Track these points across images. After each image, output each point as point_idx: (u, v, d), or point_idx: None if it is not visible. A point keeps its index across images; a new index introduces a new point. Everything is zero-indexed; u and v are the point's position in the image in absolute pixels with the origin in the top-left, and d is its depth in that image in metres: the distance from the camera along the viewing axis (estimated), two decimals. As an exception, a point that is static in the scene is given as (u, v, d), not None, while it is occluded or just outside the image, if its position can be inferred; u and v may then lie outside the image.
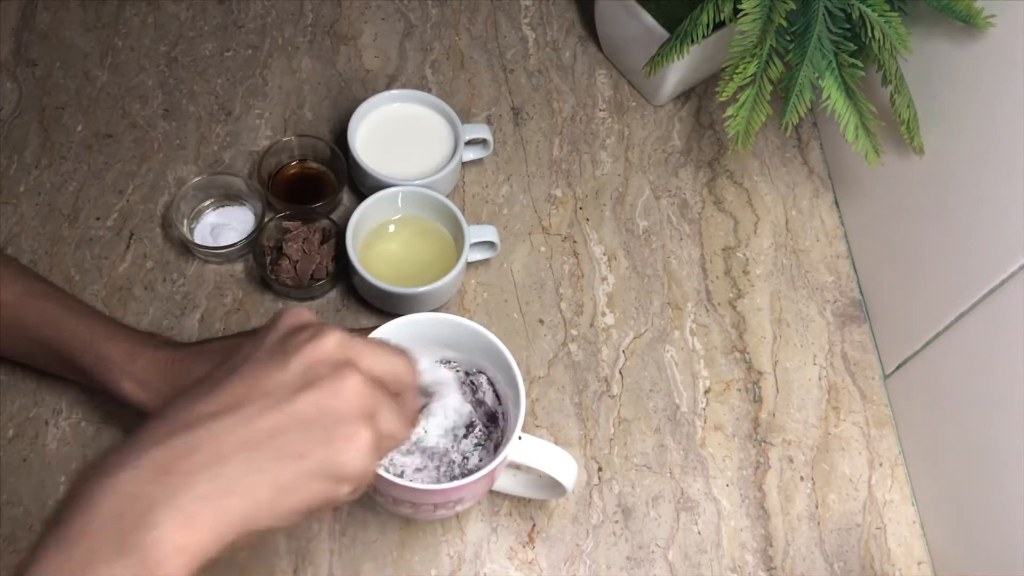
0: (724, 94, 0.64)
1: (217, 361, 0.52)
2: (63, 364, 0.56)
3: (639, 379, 0.69)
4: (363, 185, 0.71)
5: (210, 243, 0.69)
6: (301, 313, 0.40)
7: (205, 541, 0.33)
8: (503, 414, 0.56)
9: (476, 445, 0.55)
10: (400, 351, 0.41)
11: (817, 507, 0.65)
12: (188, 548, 0.33)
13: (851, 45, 0.63)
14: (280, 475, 0.35)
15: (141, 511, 0.33)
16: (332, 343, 0.38)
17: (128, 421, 0.62)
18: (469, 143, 0.73)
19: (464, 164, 0.75)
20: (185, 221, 0.69)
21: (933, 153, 0.66)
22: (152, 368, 0.54)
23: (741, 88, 0.64)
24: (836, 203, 0.79)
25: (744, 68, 0.63)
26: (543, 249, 0.74)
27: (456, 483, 0.49)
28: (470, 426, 0.55)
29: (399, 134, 0.72)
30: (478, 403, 0.56)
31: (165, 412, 0.36)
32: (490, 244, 0.69)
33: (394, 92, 0.73)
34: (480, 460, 0.55)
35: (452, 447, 0.55)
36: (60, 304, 0.56)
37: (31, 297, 0.56)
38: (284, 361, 0.37)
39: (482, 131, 0.73)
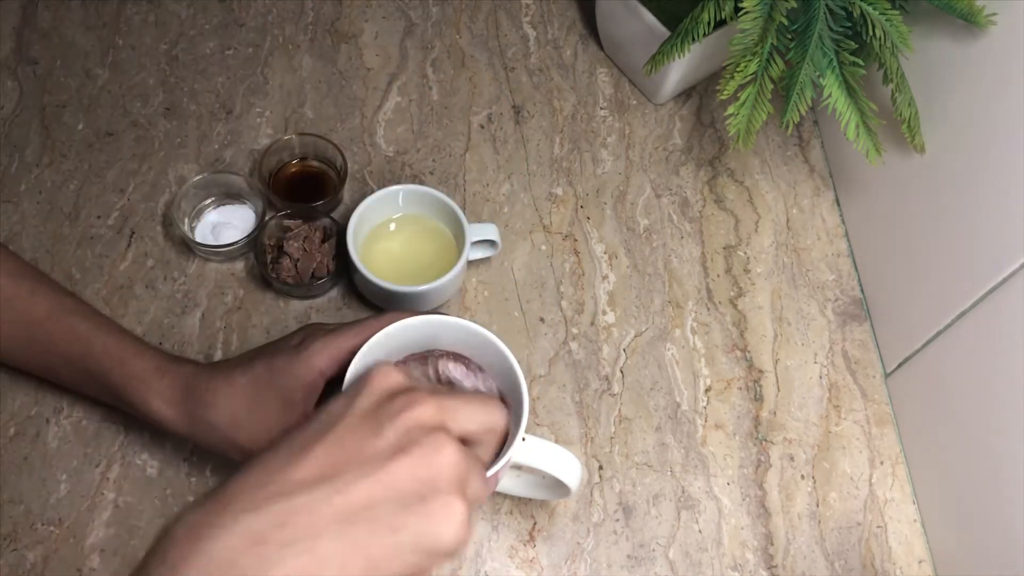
0: (725, 92, 0.64)
1: (236, 376, 0.53)
2: (89, 381, 0.56)
3: (640, 377, 0.69)
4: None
5: (211, 241, 0.69)
6: (393, 375, 0.39)
7: None
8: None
9: None
10: (491, 401, 0.40)
11: (818, 505, 0.65)
12: None
13: (852, 43, 0.63)
14: (374, 550, 0.34)
15: None
16: (429, 411, 0.37)
17: (128, 419, 0.62)
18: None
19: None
20: (186, 219, 0.69)
21: (934, 152, 0.66)
22: (178, 384, 0.53)
23: (742, 86, 0.64)
24: (837, 201, 0.79)
25: (745, 66, 0.63)
26: (544, 248, 0.74)
27: None
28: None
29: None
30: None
31: (255, 471, 0.35)
32: (491, 243, 0.69)
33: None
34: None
35: None
36: (90, 321, 0.56)
37: (62, 313, 0.55)
38: (378, 428, 0.36)
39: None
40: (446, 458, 0.36)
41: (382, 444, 0.36)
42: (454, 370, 0.57)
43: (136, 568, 0.33)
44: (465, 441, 0.38)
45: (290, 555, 0.33)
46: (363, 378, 0.39)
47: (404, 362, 0.56)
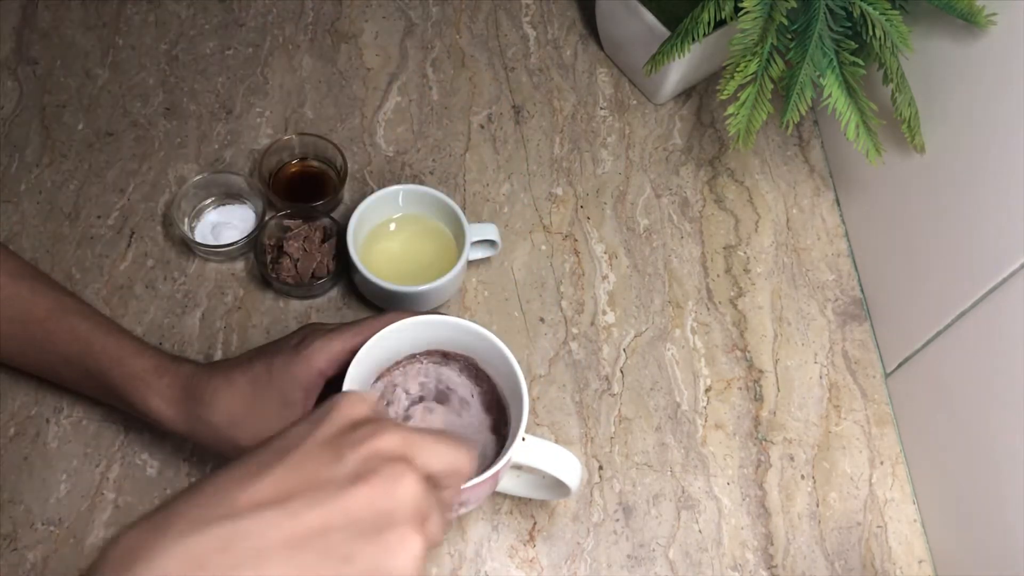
0: (725, 92, 0.64)
1: (235, 376, 0.53)
2: (89, 380, 0.56)
3: (640, 377, 0.69)
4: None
5: (211, 241, 0.69)
6: (359, 405, 0.37)
7: None
8: (506, 415, 0.56)
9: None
10: (460, 442, 0.39)
11: (818, 505, 0.65)
12: None
13: (852, 43, 0.62)
14: None
15: None
16: (391, 440, 0.35)
17: (128, 419, 0.62)
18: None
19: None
20: (186, 219, 0.69)
21: (934, 151, 0.66)
22: (177, 384, 0.53)
23: (742, 86, 0.64)
24: (837, 201, 0.79)
25: (745, 66, 0.63)
26: (544, 247, 0.74)
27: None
28: None
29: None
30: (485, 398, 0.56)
31: (202, 492, 0.33)
32: (491, 243, 0.69)
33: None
34: (483, 462, 0.55)
35: None
36: (89, 320, 0.56)
37: (62, 313, 0.55)
38: (338, 455, 0.35)
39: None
40: (406, 490, 0.34)
41: (341, 471, 0.34)
42: (450, 375, 0.57)
43: None
44: (428, 480, 0.36)
45: None
46: (328, 404, 0.37)
47: (402, 363, 0.56)
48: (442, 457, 0.37)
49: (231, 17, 0.82)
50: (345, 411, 0.37)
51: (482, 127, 0.79)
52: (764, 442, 0.67)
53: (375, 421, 0.36)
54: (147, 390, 0.53)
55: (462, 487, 0.48)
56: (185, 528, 0.31)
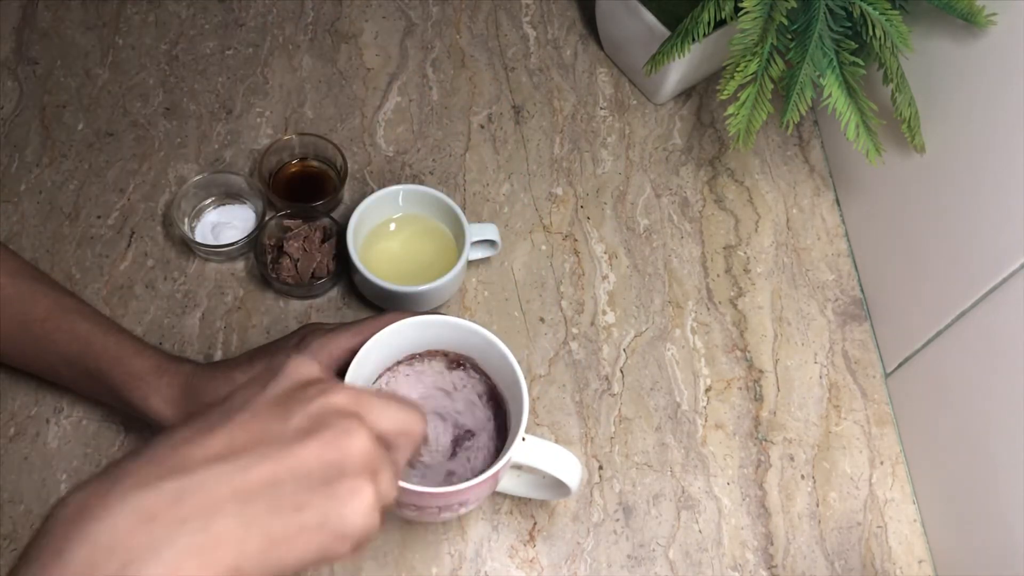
0: (725, 92, 0.64)
1: (235, 375, 0.53)
2: (89, 380, 0.56)
3: (640, 377, 0.69)
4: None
5: (211, 241, 0.69)
6: (310, 367, 0.38)
7: None
8: (506, 415, 0.56)
9: (478, 449, 0.55)
10: (410, 404, 0.39)
11: (818, 505, 0.65)
12: None
13: (852, 43, 0.63)
14: (275, 528, 0.32)
15: (121, 564, 0.30)
16: (341, 398, 0.36)
17: (128, 419, 0.62)
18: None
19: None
20: (186, 219, 0.69)
21: (934, 152, 0.66)
22: (176, 383, 0.53)
23: (742, 86, 0.64)
24: (837, 201, 0.79)
25: (745, 66, 0.63)
26: (544, 247, 0.74)
27: (460, 486, 0.49)
28: (456, 440, 0.56)
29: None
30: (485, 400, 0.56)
31: (153, 450, 0.33)
32: (491, 243, 0.69)
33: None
34: (483, 462, 0.55)
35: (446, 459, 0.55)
36: (89, 320, 0.56)
37: (61, 312, 0.55)
38: (288, 412, 0.35)
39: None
40: (356, 443, 0.35)
41: (290, 427, 0.34)
42: (450, 376, 0.57)
43: (20, 556, 0.31)
44: (379, 440, 0.36)
45: (183, 533, 0.31)
46: (278, 365, 0.38)
47: (402, 363, 0.56)
48: (392, 416, 0.37)
49: (231, 17, 0.82)
50: (293, 372, 0.37)
51: (482, 127, 0.79)
52: (764, 442, 0.67)
53: (324, 381, 0.37)
54: (147, 389, 0.53)
55: (463, 487, 0.49)
56: (134, 484, 0.31)
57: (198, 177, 0.69)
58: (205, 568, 0.31)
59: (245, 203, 0.71)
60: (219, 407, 0.35)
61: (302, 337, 0.54)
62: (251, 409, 0.35)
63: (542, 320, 0.71)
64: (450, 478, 0.54)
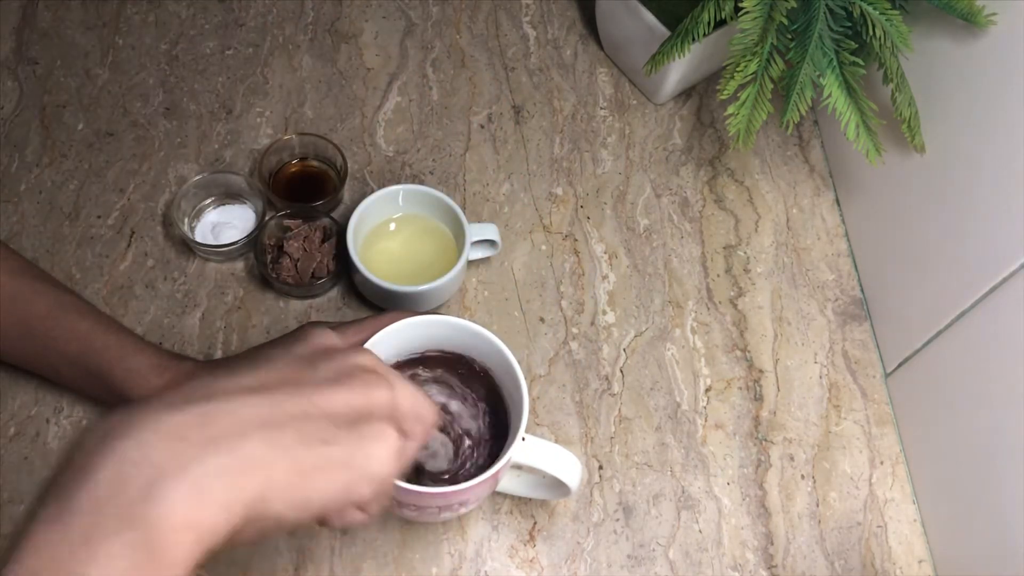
0: (725, 92, 0.64)
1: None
2: (89, 378, 0.56)
3: (640, 377, 0.69)
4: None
5: (211, 241, 0.69)
6: (330, 335, 0.38)
7: (214, 521, 0.30)
8: (506, 414, 0.56)
9: (478, 449, 0.55)
10: (426, 397, 0.39)
11: (818, 505, 0.65)
12: (196, 526, 0.30)
13: (852, 43, 0.63)
14: (302, 457, 0.32)
15: (148, 480, 0.29)
16: (366, 359, 0.36)
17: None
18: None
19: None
20: (186, 219, 0.69)
21: (934, 151, 0.66)
22: (177, 380, 0.53)
23: (742, 86, 0.64)
24: (837, 201, 0.79)
25: (745, 66, 0.63)
26: (544, 247, 0.74)
27: (460, 486, 0.49)
28: (457, 440, 0.56)
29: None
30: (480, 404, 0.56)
31: (180, 386, 0.33)
32: (491, 242, 0.69)
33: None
34: (483, 462, 0.55)
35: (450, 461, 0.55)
36: (90, 318, 0.56)
37: (62, 311, 0.55)
38: (313, 365, 0.35)
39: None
40: (381, 394, 0.35)
41: (318, 376, 0.35)
42: (450, 376, 0.57)
43: (51, 473, 0.31)
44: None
45: (212, 453, 0.30)
46: (301, 331, 0.38)
47: (402, 363, 0.56)
48: (410, 395, 0.38)
49: (231, 17, 0.82)
50: (316, 338, 0.38)
51: (482, 127, 0.79)
52: (764, 442, 0.67)
53: (346, 348, 0.38)
54: (148, 388, 0.53)
55: (463, 487, 0.49)
56: (164, 407, 0.31)
57: (198, 177, 0.69)
58: (232, 490, 0.30)
59: (245, 203, 0.71)
60: (241, 358, 0.36)
61: (304, 335, 0.54)
62: (278, 361, 0.35)
63: (542, 320, 0.71)
64: (450, 478, 0.54)
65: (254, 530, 0.32)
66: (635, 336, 0.71)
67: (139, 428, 0.31)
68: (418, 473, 0.54)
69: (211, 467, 0.30)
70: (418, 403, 0.38)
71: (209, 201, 0.71)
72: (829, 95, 0.63)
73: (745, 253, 0.75)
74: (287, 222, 0.68)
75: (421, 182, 0.75)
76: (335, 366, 0.35)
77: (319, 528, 0.60)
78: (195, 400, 0.32)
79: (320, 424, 0.33)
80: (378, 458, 0.34)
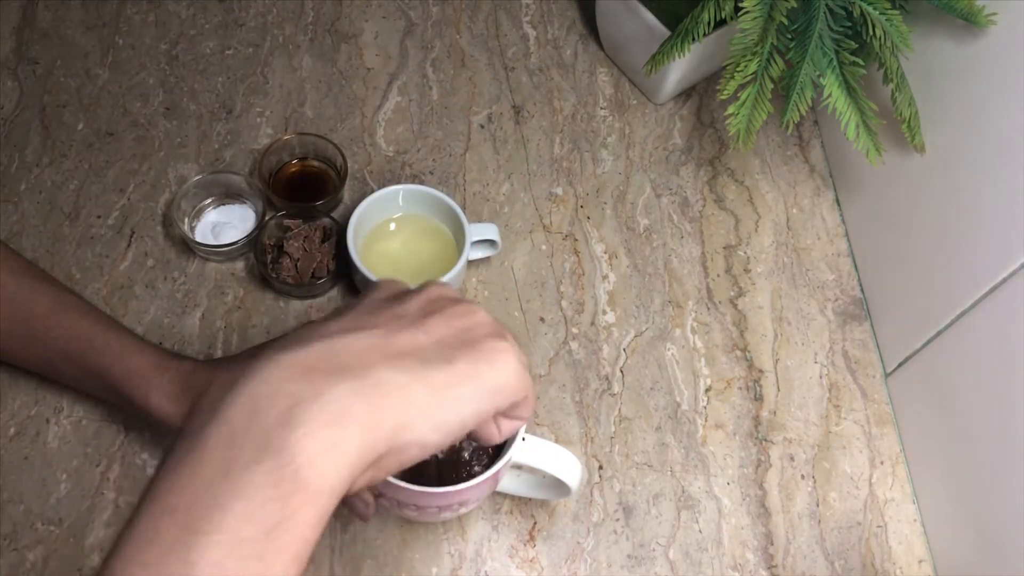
0: (725, 92, 0.64)
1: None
2: (90, 377, 0.56)
3: (640, 377, 0.69)
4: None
5: (211, 241, 0.69)
6: (397, 281, 0.38)
7: (358, 443, 0.29)
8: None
9: (477, 448, 0.55)
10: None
11: (818, 505, 0.65)
12: (339, 449, 0.28)
13: (852, 43, 0.62)
14: (431, 376, 0.31)
15: (285, 407, 0.28)
16: (443, 289, 0.36)
17: (129, 419, 0.62)
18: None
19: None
20: (186, 219, 0.69)
21: (934, 151, 0.66)
22: (178, 380, 0.54)
23: (742, 86, 0.64)
24: (837, 201, 0.79)
25: (745, 66, 0.63)
26: (544, 247, 0.74)
27: (460, 486, 0.49)
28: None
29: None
30: None
31: (285, 336, 0.33)
32: (491, 242, 0.69)
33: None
34: (483, 462, 0.55)
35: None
36: (90, 317, 0.56)
37: (62, 310, 0.56)
38: (402, 302, 0.35)
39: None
40: (481, 315, 0.35)
41: (412, 308, 0.34)
42: None
43: (176, 436, 0.29)
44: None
45: (343, 380, 0.30)
46: (372, 284, 0.38)
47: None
48: (521, 358, 0.36)
49: (231, 17, 0.82)
50: (388, 284, 0.38)
51: (482, 127, 0.79)
52: (764, 442, 0.67)
53: (417, 287, 0.37)
54: (148, 387, 0.53)
55: (464, 487, 0.48)
56: (282, 349, 0.31)
57: (198, 177, 0.69)
58: (373, 411, 0.30)
59: (245, 203, 0.71)
60: (331, 315, 0.35)
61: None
62: (366, 304, 0.35)
63: (542, 320, 0.71)
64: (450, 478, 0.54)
65: (396, 459, 0.31)
66: (635, 336, 0.71)
67: (265, 366, 0.30)
68: (418, 473, 0.54)
69: (347, 389, 0.29)
70: (525, 376, 0.37)
71: (209, 201, 0.71)
72: (829, 95, 0.63)
73: (745, 253, 0.75)
74: (287, 222, 0.68)
75: (421, 182, 0.75)
76: (422, 300, 0.35)
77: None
78: (311, 341, 0.31)
79: (437, 347, 0.33)
80: (504, 367, 0.34)
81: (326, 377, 0.29)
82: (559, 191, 0.76)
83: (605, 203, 0.76)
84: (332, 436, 0.28)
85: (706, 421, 0.68)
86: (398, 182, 0.74)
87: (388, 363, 0.31)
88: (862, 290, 0.75)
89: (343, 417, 0.29)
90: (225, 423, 0.28)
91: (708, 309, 0.72)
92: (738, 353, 0.71)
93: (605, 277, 0.73)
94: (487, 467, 0.50)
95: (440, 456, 0.55)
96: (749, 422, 0.68)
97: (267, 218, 0.68)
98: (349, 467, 0.29)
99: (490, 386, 0.33)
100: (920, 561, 0.64)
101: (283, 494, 0.27)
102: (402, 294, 0.36)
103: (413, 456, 0.31)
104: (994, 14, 0.59)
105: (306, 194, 0.71)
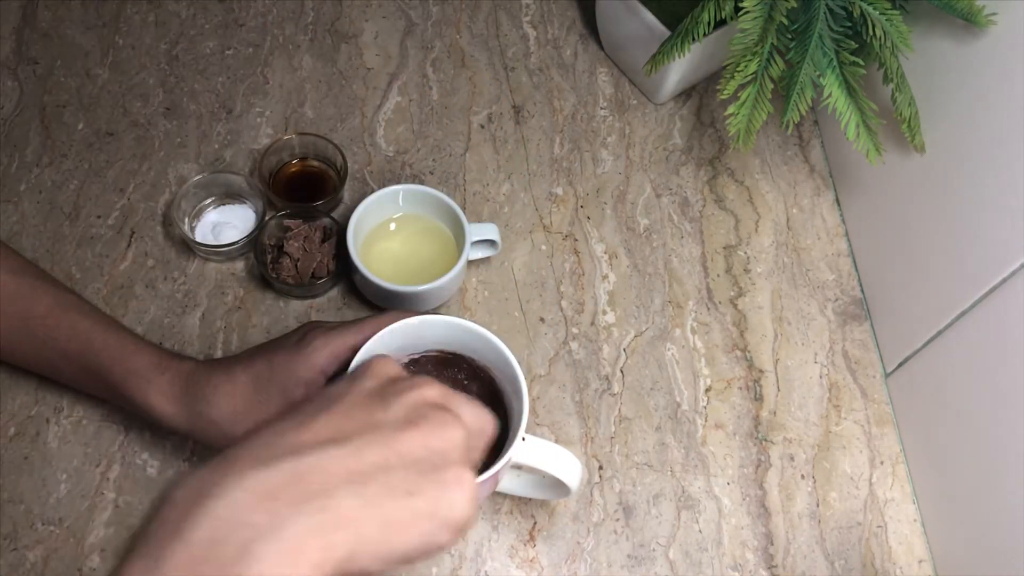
0: (725, 92, 0.64)
1: (236, 372, 0.53)
2: (90, 377, 0.56)
3: (640, 377, 0.69)
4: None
5: (211, 241, 0.69)
6: (393, 365, 0.40)
7: None
8: (506, 415, 0.56)
9: None
10: (484, 408, 0.40)
11: (818, 505, 0.65)
12: None
13: (852, 43, 0.62)
14: (390, 511, 0.33)
15: (243, 541, 0.30)
16: (433, 391, 0.37)
17: (129, 419, 0.62)
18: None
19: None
20: (186, 219, 0.69)
21: (934, 151, 0.66)
22: (178, 380, 0.53)
23: (742, 86, 0.64)
24: (837, 201, 0.79)
25: (745, 66, 0.63)
26: (544, 247, 0.74)
27: None
28: None
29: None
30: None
31: (261, 437, 0.34)
32: (491, 242, 0.69)
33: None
34: (483, 462, 0.55)
35: None
36: (90, 317, 0.56)
37: (62, 310, 0.56)
38: (385, 403, 0.36)
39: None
40: (455, 433, 0.36)
41: (390, 416, 0.35)
42: (450, 376, 0.57)
43: (134, 536, 0.31)
44: None
45: (304, 512, 0.31)
46: (364, 365, 0.39)
47: (402, 363, 0.56)
48: (474, 414, 0.39)
49: (231, 17, 0.82)
50: (381, 369, 0.39)
51: (482, 127, 0.79)
52: (764, 442, 0.67)
53: (411, 377, 0.39)
54: (147, 387, 0.53)
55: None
56: (251, 465, 0.32)
57: (198, 177, 0.69)
58: (325, 549, 0.31)
59: (245, 203, 0.71)
60: (314, 402, 0.36)
61: (303, 335, 0.54)
62: (348, 400, 0.36)
63: (542, 320, 0.71)
64: None
65: None
66: (635, 336, 0.71)
67: (230, 487, 0.31)
68: None
69: (304, 526, 0.31)
70: (481, 419, 0.40)
71: (209, 201, 0.71)
72: (829, 95, 0.63)
73: (745, 253, 0.75)
74: (287, 222, 0.68)
75: (421, 182, 0.75)
76: (406, 402, 0.36)
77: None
78: (280, 456, 0.32)
79: (403, 473, 0.34)
80: (459, 505, 0.35)
81: (287, 508, 0.31)
82: (559, 191, 0.76)
83: (605, 203, 0.76)
84: (285, 573, 0.30)
85: (706, 421, 0.68)
86: (398, 182, 0.74)
87: (350, 490, 0.32)
88: (862, 290, 0.75)
89: (297, 555, 0.30)
90: (189, 546, 0.30)
91: (708, 309, 0.72)
92: (738, 353, 0.71)
93: (605, 277, 0.73)
94: (487, 467, 0.50)
95: None
96: (749, 422, 0.68)
97: (267, 218, 0.68)
98: None
99: (440, 524, 0.34)
100: (920, 561, 0.64)
101: None
102: (390, 387, 0.37)
103: None
104: (994, 14, 0.59)
105: (306, 194, 0.71)
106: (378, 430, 0.35)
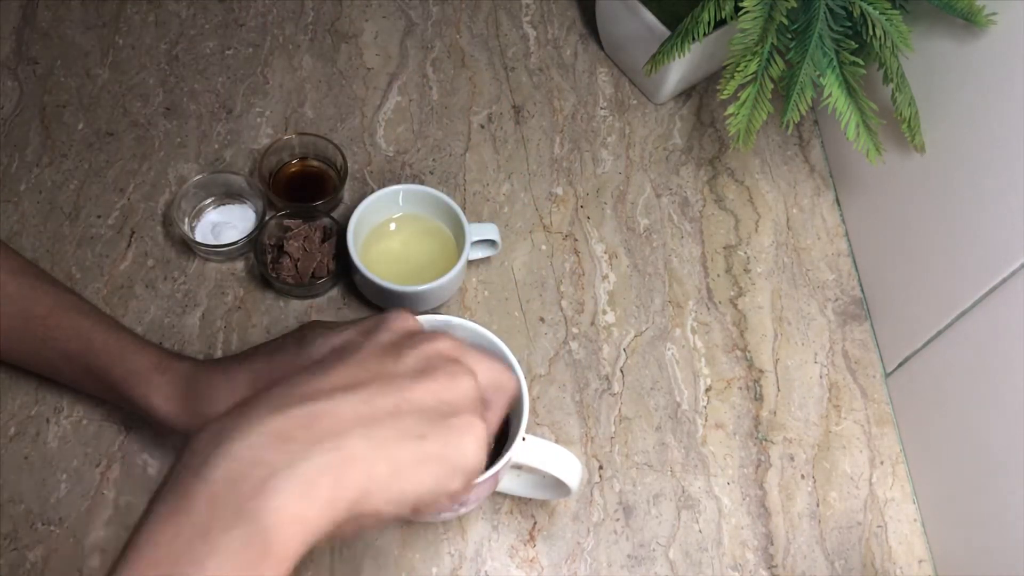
0: (725, 92, 0.64)
1: (236, 372, 0.53)
2: (90, 377, 0.56)
3: (640, 377, 0.69)
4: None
5: (211, 241, 0.69)
6: (409, 319, 0.40)
7: (321, 515, 0.32)
8: (506, 414, 0.56)
9: None
10: (505, 363, 0.41)
11: (818, 505, 0.65)
12: (304, 520, 0.32)
13: (852, 43, 0.63)
14: (400, 452, 0.34)
15: (261, 478, 0.31)
16: (446, 344, 0.38)
17: (129, 419, 0.62)
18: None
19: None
20: (186, 219, 0.69)
21: (934, 151, 0.66)
22: (178, 380, 0.54)
23: (742, 86, 0.64)
24: (837, 201, 0.79)
25: (745, 66, 0.63)
26: (544, 247, 0.74)
27: None
28: None
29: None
30: None
31: (277, 386, 0.35)
32: (491, 242, 0.69)
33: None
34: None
35: None
36: (90, 317, 0.56)
37: (62, 310, 0.56)
38: (399, 355, 0.37)
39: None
40: (466, 384, 0.37)
41: (403, 368, 0.37)
42: None
43: (159, 485, 0.33)
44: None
45: (317, 452, 0.32)
46: (380, 318, 0.40)
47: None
48: (489, 368, 0.40)
49: (231, 17, 0.82)
50: (396, 323, 0.40)
51: (482, 127, 0.79)
52: (764, 442, 0.67)
53: (426, 331, 0.40)
54: (147, 387, 0.53)
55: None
56: (267, 411, 0.33)
57: (198, 177, 0.69)
58: (338, 487, 0.32)
59: (245, 203, 0.71)
60: (329, 355, 0.38)
61: (303, 335, 0.54)
62: (364, 352, 0.37)
63: (542, 320, 0.71)
64: None
65: (354, 525, 0.34)
66: (635, 336, 0.71)
67: (248, 431, 0.33)
68: None
69: (318, 464, 0.32)
70: (498, 374, 0.40)
71: (209, 201, 0.71)
72: (829, 95, 0.63)
73: (745, 253, 0.75)
74: (287, 222, 0.68)
75: (421, 182, 0.75)
76: (419, 354, 0.37)
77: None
78: (295, 402, 0.34)
79: (413, 419, 0.35)
80: (468, 450, 0.36)
81: (301, 448, 0.32)
82: (559, 191, 0.76)
83: (605, 203, 0.76)
84: (300, 508, 0.31)
85: (706, 421, 0.68)
86: (398, 182, 0.74)
87: (362, 430, 0.34)
88: (862, 290, 0.75)
89: (311, 490, 0.32)
90: (210, 484, 0.31)
91: (708, 309, 0.72)
92: (738, 353, 0.71)
93: (605, 277, 0.73)
94: (487, 467, 0.50)
95: None
96: (749, 422, 0.68)
97: (267, 218, 0.68)
98: (313, 535, 0.32)
99: (450, 469, 0.36)
100: (920, 561, 0.64)
101: (253, 558, 0.31)
102: (405, 340, 0.38)
103: (370, 524, 0.34)
104: (994, 14, 0.59)
105: (306, 194, 0.71)
106: (391, 380, 0.36)
